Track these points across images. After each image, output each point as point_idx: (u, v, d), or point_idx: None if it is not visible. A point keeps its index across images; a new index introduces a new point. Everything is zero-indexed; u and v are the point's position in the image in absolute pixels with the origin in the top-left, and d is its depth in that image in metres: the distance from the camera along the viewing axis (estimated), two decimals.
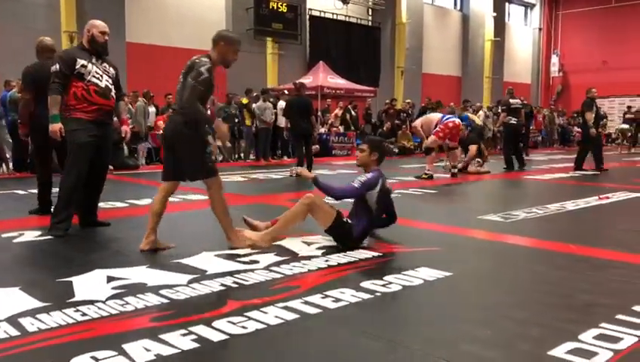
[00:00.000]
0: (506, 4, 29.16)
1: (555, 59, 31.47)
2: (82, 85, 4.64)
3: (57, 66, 4.62)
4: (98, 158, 4.82)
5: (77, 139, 4.62)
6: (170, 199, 4.81)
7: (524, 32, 31.27)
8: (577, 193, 7.45)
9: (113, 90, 4.86)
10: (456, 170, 10.00)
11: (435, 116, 10.53)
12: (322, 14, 20.74)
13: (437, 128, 9.76)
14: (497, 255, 4.19)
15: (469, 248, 4.38)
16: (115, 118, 5.10)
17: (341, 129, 16.39)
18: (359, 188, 4.17)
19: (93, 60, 4.75)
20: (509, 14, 29.82)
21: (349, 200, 4.36)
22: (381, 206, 4.32)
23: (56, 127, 4.62)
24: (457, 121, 10.10)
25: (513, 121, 11.54)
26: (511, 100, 11.64)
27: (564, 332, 2.49)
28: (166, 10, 16.78)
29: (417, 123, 11.00)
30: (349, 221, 4.19)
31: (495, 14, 27.17)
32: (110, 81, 4.83)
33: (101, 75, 4.75)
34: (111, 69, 4.90)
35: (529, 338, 2.44)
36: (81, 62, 4.65)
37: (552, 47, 31.67)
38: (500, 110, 12.94)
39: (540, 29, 31.70)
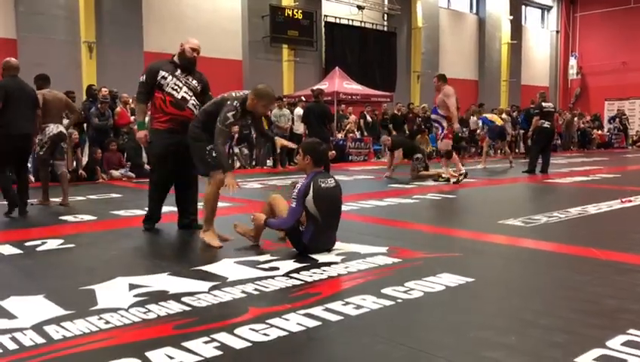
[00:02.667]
0: (523, 6, 28.94)
1: (573, 61, 31.14)
2: (161, 96, 4.97)
3: (143, 77, 5.04)
4: (181, 166, 5.09)
5: (153, 151, 5.10)
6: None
7: (542, 34, 31.01)
8: (599, 196, 7.35)
9: (191, 102, 5.04)
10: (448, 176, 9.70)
11: (453, 95, 10.12)
12: (338, 20, 20.79)
13: (445, 131, 9.65)
14: (519, 260, 4.14)
15: (490, 253, 4.34)
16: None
17: (357, 134, 16.38)
18: (296, 206, 4.09)
19: (177, 73, 5.02)
20: (525, 17, 29.60)
21: None
22: (323, 209, 4.10)
23: (141, 133, 5.08)
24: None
25: (546, 124, 11.38)
26: (543, 104, 11.48)
27: (591, 338, 2.45)
28: (183, 20, 16.94)
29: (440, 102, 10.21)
30: (301, 227, 4.15)
31: (512, 17, 26.98)
32: (190, 93, 5.05)
33: (180, 87, 4.99)
34: (194, 82, 5.11)
35: (555, 345, 2.40)
36: (162, 73, 4.98)
37: (570, 50, 31.36)
38: (532, 113, 12.76)
39: (557, 32, 31.41)
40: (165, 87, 4.97)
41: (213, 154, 4.52)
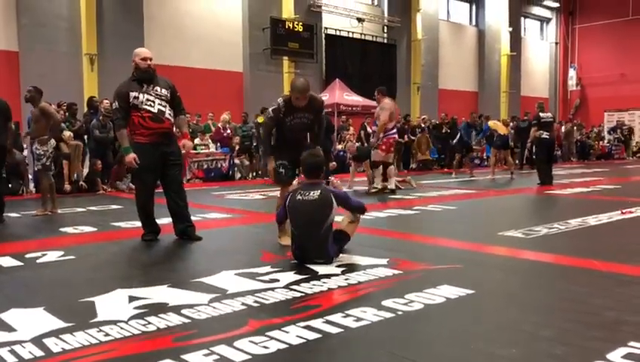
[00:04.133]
0: (522, 18, 29.14)
1: (572, 72, 31.27)
2: (138, 114, 5.08)
3: (115, 103, 5.15)
4: (167, 175, 5.28)
5: (139, 164, 5.12)
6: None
7: (541, 46, 31.18)
8: (599, 208, 7.35)
9: (167, 112, 5.20)
10: (375, 190, 9.65)
11: (389, 110, 9.60)
12: (338, 33, 20.90)
13: (380, 142, 9.53)
14: (520, 272, 4.13)
15: (490, 265, 4.33)
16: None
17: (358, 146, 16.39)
18: (281, 208, 4.53)
19: (144, 89, 5.12)
20: (524, 29, 29.77)
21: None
22: (295, 221, 4.21)
23: (130, 157, 5.10)
24: (396, 136, 10.06)
25: (545, 135, 11.41)
26: (541, 114, 11.50)
27: (592, 351, 2.44)
28: (184, 32, 17.03)
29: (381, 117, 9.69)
30: None
31: (511, 29, 27.14)
32: (164, 103, 5.19)
33: (152, 101, 5.12)
34: (163, 90, 5.23)
35: (555, 357, 2.39)
36: (132, 94, 5.08)
37: (569, 61, 31.50)
38: (531, 124, 12.76)
39: (556, 43, 31.58)
40: (140, 105, 5.09)
41: (281, 169, 5.04)
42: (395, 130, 9.92)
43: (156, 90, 5.18)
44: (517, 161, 18.17)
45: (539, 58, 30.85)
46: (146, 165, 5.13)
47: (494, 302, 3.35)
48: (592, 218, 6.52)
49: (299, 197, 4.21)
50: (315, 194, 4.18)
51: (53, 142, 7.25)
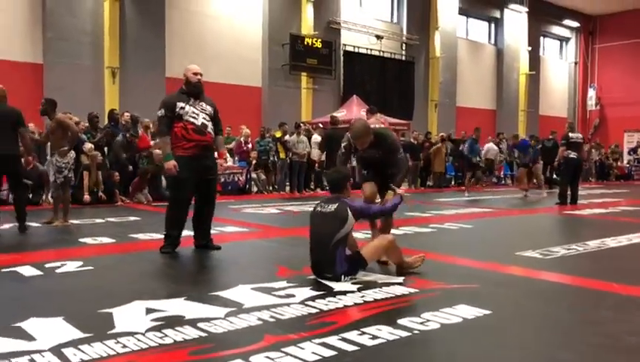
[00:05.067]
0: (541, 38, 29.08)
1: (591, 92, 31.06)
2: (182, 125, 5.19)
3: (162, 111, 5.25)
4: (203, 189, 5.39)
5: (179, 176, 5.20)
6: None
7: (560, 65, 31.05)
8: (618, 229, 7.25)
9: (210, 127, 5.35)
10: None
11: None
12: (356, 49, 21.02)
13: None
14: (537, 293, 4.09)
15: (507, 285, 4.29)
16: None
17: None
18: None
19: (191, 102, 5.28)
20: (544, 48, 29.70)
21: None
22: (311, 230, 4.32)
23: (170, 164, 5.20)
24: None
25: (573, 155, 11.29)
26: (570, 134, 11.40)
27: None
28: (204, 47, 17.25)
29: None
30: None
31: (530, 48, 27.11)
32: (207, 118, 5.34)
33: (197, 114, 5.26)
34: (208, 107, 5.41)
35: None
36: (179, 105, 5.22)
37: (589, 81, 31.30)
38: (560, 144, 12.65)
39: (575, 63, 31.43)
40: (184, 116, 5.22)
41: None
42: None
43: (202, 105, 5.35)
44: (535, 181, 18.03)
45: (558, 77, 30.71)
46: (185, 178, 5.21)
47: (512, 323, 3.32)
48: (611, 239, 6.44)
49: (318, 208, 4.30)
50: (332, 207, 4.21)
51: (73, 153, 7.36)
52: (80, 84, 14.69)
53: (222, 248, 5.45)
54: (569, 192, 11.28)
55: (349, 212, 4.17)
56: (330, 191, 4.51)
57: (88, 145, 9.49)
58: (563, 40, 31.23)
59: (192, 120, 5.24)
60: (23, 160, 7.21)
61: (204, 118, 5.31)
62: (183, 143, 5.23)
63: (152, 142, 11.54)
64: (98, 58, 15.37)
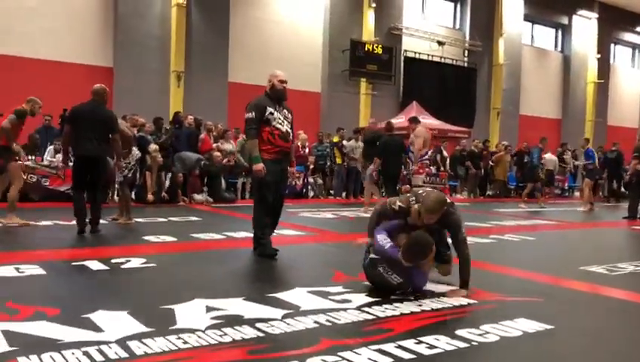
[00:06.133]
0: (612, 45, 27.92)
1: None
2: (269, 129, 5.29)
3: (252, 114, 5.30)
4: (277, 192, 5.46)
5: (265, 179, 5.26)
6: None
7: (632, 73, 29.65)
8: None
9: (291, 135, 5.50)
10: None
11: (422, 137, 10.24)
12: (417, 55, 20.84)
13: (414, 167, 10.24)
14: (602, 309, 3.93)
15: (571, 300, 4.15)
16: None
17: (433, 170, 16.18)
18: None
19: (277, 107, 5.38)
20: (614, 55, 28.48)
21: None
22: None
23: (259, 166, 5.24)
24: (428, 162, 10.69)
25: None
26: None
27: None
28: (267, 52, 17.52)
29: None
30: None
31: (599, 56, 26.06)
32: (290, 125, 5.46)
33: (282, 121, 5.37)
34: (289, 114, 5.51)
35: None
36: (269, 109, 5.31)
37: None
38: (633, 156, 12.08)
39: None
40: (272, 121, 5.30)
41: None
42: (427, 155, 10.50)
43: (284, 113, 5.45)
44: (601, 193, 17.32)
45: (629, 86, 29.34)
46: (270, 181, 5.31)
47: (574, 339, 3.20)
48: None
49: (380, 269, 3.95)
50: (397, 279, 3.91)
51: (136, 153, 7.63)
52: (147, 87, 15.24)
53: (279, 250, 5.52)
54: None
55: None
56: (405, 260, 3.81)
57: (153, 146, 9.81)
58: (636, 47, 29.85)
59: (278, 126, 5.32)
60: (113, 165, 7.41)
61: (287, 126, 5.42)
62: (268, 147, 5.30)
63: (213, 145, 11.83)
64: (165, 62, 15.90)
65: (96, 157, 6.56)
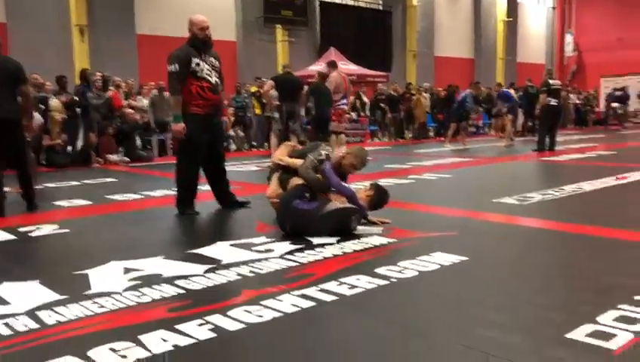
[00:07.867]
0: None
1: (569, 38, 30.91)
2: (197, 83, 4.90)
3: (175, 66, 4.85)
4: (213, 149, 5.17)
5: (192, 136, 4.93)
6: None
7: (538, 11, 30.76)
8: (594, 174, 7.35)
9: (220, 84, 5.12)
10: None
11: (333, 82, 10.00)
12: (332, 0, 20.55)
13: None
14: (513, 238, 4.15)
15: (484, 232, 4.35)
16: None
17: (354, 115, 16.29)
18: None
19: (203, 56, 4.97)
20: None
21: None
22: None
23: (179, 126, 4.92)
24: (345, 107, 10.64)
25: (553, 102, 11.33)
26: (550, 81, 11.40)
27: (583, 314, 2.45)
28: (174, 1, 16.69)
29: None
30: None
31: None
32: (217, 75, 5.08)
33: (210, 71, 5.00)
34: (216, 62, 5.12)
35: (549, 323, 2.41)
36: (194, 60, 4.90)
37: (566, 26, 31.13)
38: (538, 91, 12.67)
39: (553, 8, 31.18)
40: (199, 73, 4.94)
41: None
42: (344, 101, 10.36)
43: (211, 61, 5.07)
44: (515, 128, 18.09)
45: (535, 23, 30.49)
46: (202, 138, 5.00)
47: (488, 269, 3.36)
48: (586, 184, 6.52)
49: None
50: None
51: (37, 117, 7.14)
52: (47, 43, 14.20)
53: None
54: (547, 139, 11.37)
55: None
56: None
57: (54, 102, 9.19)
58: None
59: (207, 77, 4.97)
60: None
61: (216, 77, 5.07)
62: (198, 102, 4.96)
63: (124, 102, 11.31)
64: (65, 16, 14.83)
65: (8, 120, 5.26)
